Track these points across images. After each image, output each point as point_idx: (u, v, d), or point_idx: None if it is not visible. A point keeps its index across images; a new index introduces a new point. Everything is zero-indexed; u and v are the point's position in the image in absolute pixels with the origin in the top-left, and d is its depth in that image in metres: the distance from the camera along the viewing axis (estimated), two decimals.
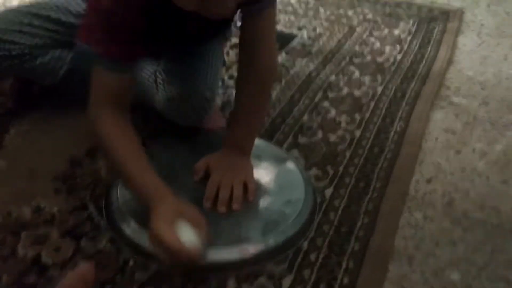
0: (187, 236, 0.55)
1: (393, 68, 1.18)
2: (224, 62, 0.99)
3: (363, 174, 0.81)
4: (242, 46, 0.75)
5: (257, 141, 0.77)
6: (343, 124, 0.95)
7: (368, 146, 0.89)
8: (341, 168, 0.82)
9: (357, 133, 0.92)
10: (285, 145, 0.88)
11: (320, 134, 0.92)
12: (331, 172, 0.81)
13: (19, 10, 0.86)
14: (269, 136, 0.91)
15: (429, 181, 0.80)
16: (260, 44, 0.74)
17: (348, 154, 0.86)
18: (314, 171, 0.81)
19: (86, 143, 0.84)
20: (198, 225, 0.58)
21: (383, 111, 1.00)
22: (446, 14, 1.51)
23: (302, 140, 0.90)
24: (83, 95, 0.68)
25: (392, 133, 0.92)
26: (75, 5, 0.88)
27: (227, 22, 0.87)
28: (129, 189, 0.66)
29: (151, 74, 0.83)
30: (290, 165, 0.76)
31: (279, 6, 1.51)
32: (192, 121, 0.82)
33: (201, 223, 0.58)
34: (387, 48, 1.28)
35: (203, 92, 0.78)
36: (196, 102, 0.78)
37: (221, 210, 0.66)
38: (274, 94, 1.05)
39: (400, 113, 0.99)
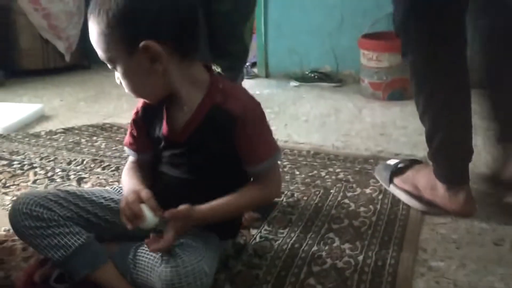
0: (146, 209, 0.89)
1: (369, 232, 1.24)
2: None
3: None
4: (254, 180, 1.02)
5: None
6: None
7: None
8: None
9: None
10: None
11: None
12: None
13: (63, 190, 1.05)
14: None
15: None
16: (265, 184, 1.00)
17: None
18: None
19: None
20: (154, 207, 0.89)
21: (368, 284, 1.03)
22: None
23: None
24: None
25: None
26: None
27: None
28: None
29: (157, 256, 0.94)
30: None
31: None
32: None
33: (156, 206, 0.89)
34: (362, 210, 1.36)
35: (203, 265, 0.90)
36: (197, 272, 0.89)
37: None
38: (261, 273, 1.08)
39: (384, 285, 1.02)
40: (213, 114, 0.95)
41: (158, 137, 1.00)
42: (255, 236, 1.24)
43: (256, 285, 1.04)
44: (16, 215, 0.97)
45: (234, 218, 1.10)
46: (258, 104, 0.99)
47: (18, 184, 1.57)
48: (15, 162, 1.74)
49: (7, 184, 1.56)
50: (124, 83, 0.94)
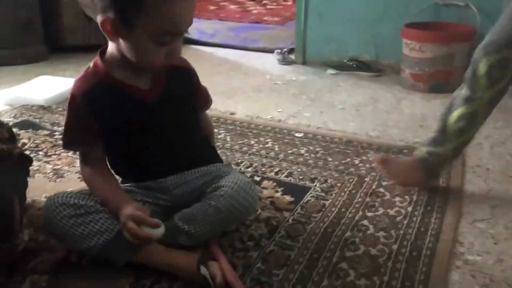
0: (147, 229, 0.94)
1: (405, 222, 1.22)
2: None
3: None
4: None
5: None
6: None
7: None
8: None
9: None
10: None
11: None
12: None
13: None
14: None
15: None
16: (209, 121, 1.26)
17: None
18: None
19: None
20: (154, 224, 0.93)
21: (401, 273, 1.02)
22: None
23: None
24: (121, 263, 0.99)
25: None
26: None
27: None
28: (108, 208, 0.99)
29: (199, 204, 1.04)
30: None
31: (290, 157, 1.61)
32: (249, 209, 1.07)
33: (155, 222, 0.94)
34: (397, 200, 1.34)
35: (242, 178, 1.07)
36: (243, 185, 1.02)
37: None
38: (293, 254, 1.08)
39: (418, 275, 1.01)
40: (172, 72, 1.03)
41: (125, 111, 1.00)
42: (287, 218, 1.24)
43: (288, 265, 1.05)
44: (54, 208, 0.97)
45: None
46: None
47: (59, 154, 1.61)
48: (56, 133, 1.79)
49: (49, 153, 1.62)
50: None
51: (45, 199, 1.26)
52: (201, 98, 1.16)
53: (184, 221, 1.02)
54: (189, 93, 1.10)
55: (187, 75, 1.10)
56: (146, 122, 1.02)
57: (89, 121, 0.99)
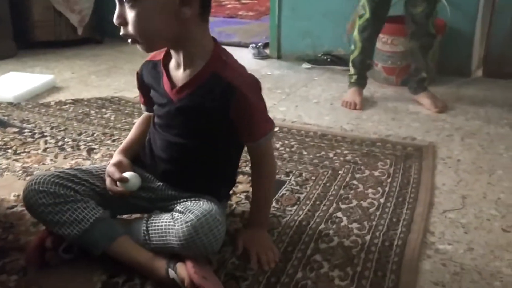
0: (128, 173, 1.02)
1: (378, 213, 1.24)
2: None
3: None
4: (251, 159, 1.07)
5: None
6: (336, 281, 0.98)
7: None
8: None
9: None
10: None
11: None
12: None
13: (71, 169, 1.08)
14: None
15: None
16: (263, 159, 1.06)
17: None
18: None
19: None
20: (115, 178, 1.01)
21: (374, 263, 1.03)
22: (419, 151, 1.62)
23: None
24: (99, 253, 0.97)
25: None
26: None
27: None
28: None
29: (168, 216, 0.97)
30: None
31: None
32: (207, 247, 0.93)
33: (116, 176, 1.01)
34: (370, 192, 1.35)
35: (214, 214, 0.94)
36: (211, 221, 0.92)
37: (267, 268, 1.01)
38: None
39: (390, 265, 1.02)
40: (212, 81, 0.95)
41: (159, 94, 1.03)
42: None
43: None
44: (33, 194, 0.97)
45: (227, 181, 1.14)
46: (257, 80, 1.01)
47: (28, 152, 1.58)
48: (25, 130, 1.75)
49: (18, 151, 1.57)
50: (136, 22, 0.89)
51: (14, 198, 1.25)
52: (242, 126, 0.99)
53: (146, 230, 0.98)
54: (220, 112, 0.96)
55: (229, 92, 0.94)
56: (163, 112, 1.03)
57: (140, 86, 1.10)
